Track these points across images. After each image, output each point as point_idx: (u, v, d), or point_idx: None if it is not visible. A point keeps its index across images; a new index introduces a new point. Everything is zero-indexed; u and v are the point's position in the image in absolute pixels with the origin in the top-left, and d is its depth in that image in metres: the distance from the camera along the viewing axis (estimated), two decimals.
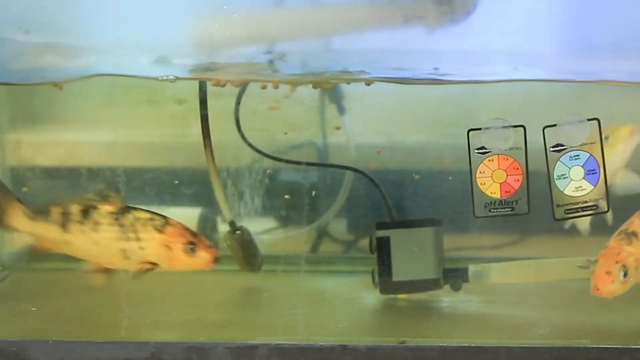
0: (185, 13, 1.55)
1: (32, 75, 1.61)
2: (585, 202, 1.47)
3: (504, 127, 1.46)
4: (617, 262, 1.40)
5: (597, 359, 1.42)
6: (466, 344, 1.44)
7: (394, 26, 1.54)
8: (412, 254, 1.66)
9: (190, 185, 1.91)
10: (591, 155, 1.46)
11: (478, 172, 1.47)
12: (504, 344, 1.44)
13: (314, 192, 1.86)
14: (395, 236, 1.67)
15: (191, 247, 1.43)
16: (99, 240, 1.46)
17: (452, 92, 1.76)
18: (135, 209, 1.46)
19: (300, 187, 1.86)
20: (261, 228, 1.96)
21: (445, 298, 1.69)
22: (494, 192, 1.48)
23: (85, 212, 1.47)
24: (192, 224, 1.90)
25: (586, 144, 1.46)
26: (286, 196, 1.86)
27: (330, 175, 1.92)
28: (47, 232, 1.48)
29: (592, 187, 1.47)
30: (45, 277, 1.86)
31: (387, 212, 1.73)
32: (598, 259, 1.42)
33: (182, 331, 1.55)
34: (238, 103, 1.78)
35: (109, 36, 1.56)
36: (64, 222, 1.47)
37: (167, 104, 1.84)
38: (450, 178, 1.81)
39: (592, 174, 1.47)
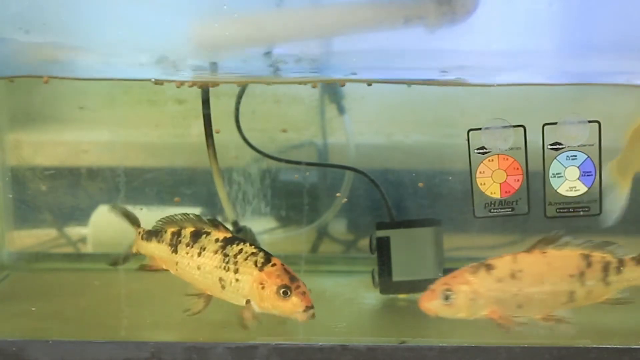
0: (185, 14, 1.55)
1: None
2: (578, 202, 1.48)
3: (504, 127, 1.46)
4: (444, 284, 1.43)
5: (597, 359, 1.42)
6: (466, 344, 1.44)
7: (394, 26, 1.54)
8: (412, 254, 1.65)
9: (191, 185, 1.91)
10: (588, 157, 1.46)
11: (478, 172, 1.47)
12: (504, 344, 1.44)
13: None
14: (395, 236, 1.67)
15: (284, 291, 1.41)
16: (201, 265, 1.48)
17: (452, 93, 1.76)
18: (243, 241, 1.47)
19: (300, 187, 1.86)
20: (261, 228, 1.96)
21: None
22: (494, 193, 1.48)
23: (196, 236, 1.49)
24: None
25: (585, 145, 1.46)
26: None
27: (330, 175, 1.92)
28: (160, 253, 1.53)
29: (586, 188, 1.47)
30: (45, 277, 1.87)
31: (387, 212, 1.73)
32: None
33: (182, 331, 1.55)
34: (238, 103, 1.78)
35: (108, 36, 1.56)
36: (175, 244, 1.51)
37: (167, 103, 1.84)
38: (450, 178, 1.81)
39: (588, 175, 1.47)
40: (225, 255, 1.46)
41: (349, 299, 1.73)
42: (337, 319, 1.60)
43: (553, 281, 1.45)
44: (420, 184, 1.81)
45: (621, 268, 1.47)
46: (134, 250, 1.56)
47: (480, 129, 1.46)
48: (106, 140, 1.91)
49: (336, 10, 1.58)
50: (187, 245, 1.50)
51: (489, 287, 1.43)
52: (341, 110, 1.91)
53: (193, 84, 1.64)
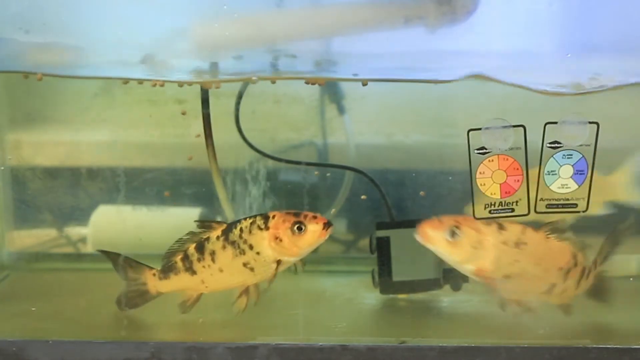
0: (185, 14, 1.55)
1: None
2: (567, 199, 1.48)
3: (504, 127, 1.46)
4: (455, 221, 1.43)
5: (597, 359, 1.42)
6: (466, 344, 1.44)
7: (394, 26, 1.54)
8: (412, 254, 1.65)
9: (191, 185, 1.91)
10: (583, 156, 1.47)
11: (478, 172, 1.47)
12: (504, 344, 1.44)
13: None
14: (395, 236, 1.67)
15: (297, 227, 1.43)
16: (222, 267, 1.49)
17: (452, 93, 1.76)
18: (237, 221, 1.49)
19: (300, 187, 1.86)
20: None
21: (445, 298, 1.69)
22: (494, 193, 1.48)
23: (200, 248, 1.50)
24: (192, 225, 1.91)
25: (582, 145, 1.46)
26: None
27: (330, 175, 1.92)
28: (184, 282, 1.52)
29: (577, 186, 1.48)
30: (45, 277, 1.86)
31: (387, 212, 1.73)
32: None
33: (182, 331, 1.55)
34: (238, 103, 1.78)
35: (108, 36, 1.56)
36: (188, 266, 1.51)
37: (167, 103, 1.84)
38: (450, 178, 1.81)
39: (580, 174, 1.47)
40: (233, 242, 1.48)
41: (349, 299, 1.73)
42: (337, 319, 1.60)
43: (545, 267, 1.46)
44: (422, 193, 1.82)
45: (588, 276, 1.50)
46: (154, 292, 1.55)
47: (480, 129, 1.46)
48: (106, 140, 1.91)
49: (336, 11, 1.58)
50: (199, 260, 1.50)
51: (494, 243, 1.43)
52: (341, 110, 1.91)
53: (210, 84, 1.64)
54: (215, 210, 1.86)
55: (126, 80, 1.64)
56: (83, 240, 1.93)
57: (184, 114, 1.72)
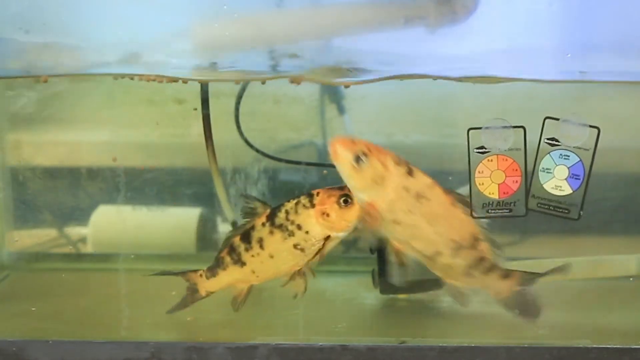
0: (185, 14, 1.55)
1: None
2: (560, 203, 1.47)
3: (504, 127, 1.46)
4: (368, 149, 1.38)
5: (597, 359, 1.42)
6: (466, 344, 1.44)
7: (394, 27, 1.54)
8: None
9: (191, 185, 1.91)
10: (580, 160, 1.46)
11: (477, 172, 1.47)
12: (504, 344, 1.44)
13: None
14: None
15: (344, 201, 1.42)
16: (272, 253, 1.47)
17: (452, 92, 1.76)
18: (280, 205, 1.47)
19: (300, 187, 1.86)
20: None
21: (445, 298, 1.68)
22: (493, 193, 1.48)
23: (246, 237, 1.49)
24: (192, 225, 1.91)
25: (580, 148, 1.45)
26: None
27: (330, 176, 1.92)
28: (233, 276, 1.51)
29: (571, 191, 1.46)
30: (45, 277, 1.86)
31: None
32: None
33: (182, 331, 1.55)
34: (238, 103, 1.78)
35: (108, 36, 1.56)
36: (237, 259, 1.50)
37: (167, 103, 1.84)
38: (450, 178, 1.81)
39: (576, 178, 1.46)
40: (280, 226, 1.46)
41: (349, 299, 1.73)
42: (337, 319, 1.60)
43: (438, 231, 1.42)
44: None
45: (489, 273, 1.44)
46: (204, 294, 1.54)
47: (480, 128, 1.46)
48: (106, 140, 1.91)
49: (336, 11, 1.59)
50: (247, 250, 1.49)
51: (395, 185, 1.40)
52: (341, 110, 1.91)
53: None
54: (215, 210, 1.86)
55: (117, 76, 1.62)
56: (83, 240, 1.93)
57: (195, 109, 1.70)
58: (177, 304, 1.54)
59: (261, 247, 1.47)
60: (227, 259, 1.50)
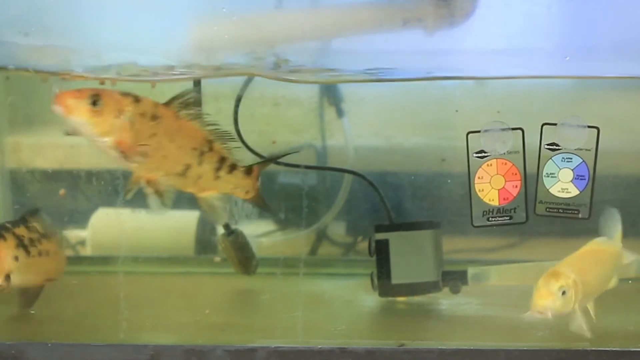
0: (184, 15, 1.55)
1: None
2: (568, 204, 1.47)
3: (502, 129, 1.46)
4: (95, 90, 1.36)
5: None
6: (465, 347, 1.44)
7: (393, 29, 1.54)
8: (411, 256, 1.65)
9: None
10: (583, 161, 1.46)
11: (477, 177, 1.47)
12: (503, 346, 1.44)
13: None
14: (394, 239, 1.67)
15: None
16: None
17: (451, 94, 1.76)
18: None
19: (299, 190, 1.86)
20: (260, 231, 1.96)
21: (444, 301, 1.69)
22: (492, 200, 1.48)
23: None
24: (192, 227, 1.91)
25: (582, 149, 1.46)
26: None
27: (329, 178, 1.92)
28: None
29: (578, 192, 1.46)
30: None
31: (386, 214, 1.73)
32: None
33: (181, 334, 1.55)
34: (237, 105, 1.78)
35: (107, 38, 1.57)
36: None
37: None
38: (449, 181, 1.82)
39: (581, 179, 1.46)
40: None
41: (348, 302, 1.73)
42: (336, 322, 1.60)
43: (179, 144, 1.43)
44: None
45: (234, 171, 1.48)
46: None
47: (479, 131, 1.46)
48: None
49: (335, 12, 1.59)
50: None
51: (132, 114, 1.38)
52: (340, 112, 1.91)
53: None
54: None
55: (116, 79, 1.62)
56: (82, 242, 1.93)
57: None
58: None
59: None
60: None
